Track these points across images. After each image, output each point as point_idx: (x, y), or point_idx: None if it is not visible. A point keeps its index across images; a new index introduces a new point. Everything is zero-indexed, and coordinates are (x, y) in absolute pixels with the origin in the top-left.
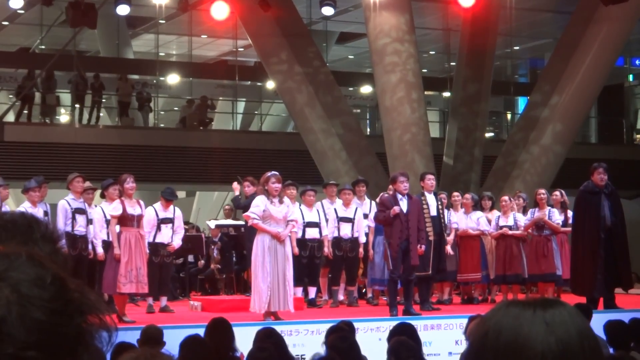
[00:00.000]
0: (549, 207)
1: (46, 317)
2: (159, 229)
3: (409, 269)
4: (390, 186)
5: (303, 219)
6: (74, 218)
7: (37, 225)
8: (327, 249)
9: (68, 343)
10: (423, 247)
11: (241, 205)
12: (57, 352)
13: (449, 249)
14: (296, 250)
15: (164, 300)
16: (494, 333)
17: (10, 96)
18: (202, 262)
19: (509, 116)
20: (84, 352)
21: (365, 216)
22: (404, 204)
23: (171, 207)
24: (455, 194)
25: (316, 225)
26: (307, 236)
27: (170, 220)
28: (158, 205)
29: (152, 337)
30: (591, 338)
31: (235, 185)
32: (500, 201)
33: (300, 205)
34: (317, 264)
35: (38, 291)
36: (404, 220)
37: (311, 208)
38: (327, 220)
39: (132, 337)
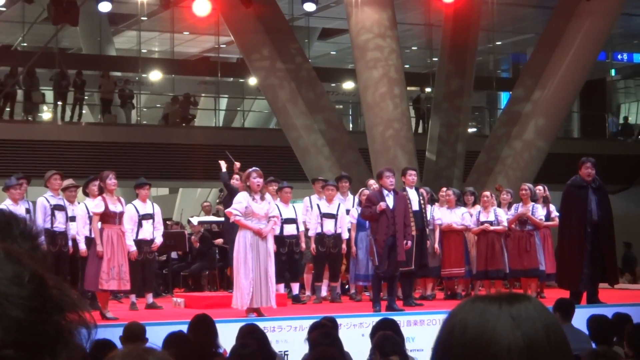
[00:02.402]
0: (532, 203)
1: (24, 315)
2: (140, 225)
3: (395, 265)
4: (370, 182)
5: (280, 215)
6: (53, 215)
7: (16, 222)
8: (303, 245)
9: (47, 341)
10: (409, 242)
11: (228, 181)
12: (36, 350)
13: (436, 246)
14: (275, 247)
15: (150, 297)
16: (460, 329)
17: None
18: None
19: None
20: (62, 350)
21: (348, 212)
22: (390, 200)
23: (149, 201)
24: (444, 189)
25: (293, 221)
26: (285, 232)
27: (150, 216)
28: (137, 201)
29: (135, 334)
30: (558, 332)
31: (222, 164)
32: (481, 196)
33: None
34: (296, 260)
35: (16, 289)
36: (390, 216)
37: (287, 204)
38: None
39: (114, 334)
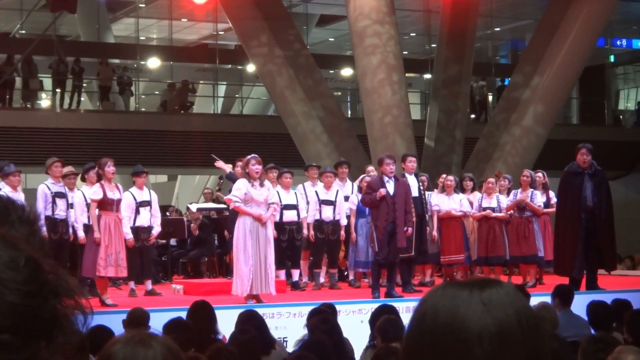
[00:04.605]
0: (532, 189)
1: (20, 300)
2: (137, 212)
3: (395, 252)
4: (369, 168)
5: (280, 201)
6: (54, 202)
7: (14, 208)
8: (306, 231)
9: (43, 325)
10: (410, 229)
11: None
12: (32, 335)
13: (434, 233)
14: (275, 232)
15: (149, 284)
16: (431, 315)
17: None
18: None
19: (490, 97)
20: (59, 334)
21: (346, 198)
22: (390, 186)
23: (146, 189)
24: (444, 175)
25: (294, 207)
26: (285, 219)
27: (148, 203)
28: (134, 189)
29: (138, 320)
30: (530, 317)
31: (222, 164)
32: (486, 182)
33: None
34: (297, 246)
35: (11, 274)
36: (391, 203)
37: (288, 190)
38: (308, 203)
39: (114, 320)
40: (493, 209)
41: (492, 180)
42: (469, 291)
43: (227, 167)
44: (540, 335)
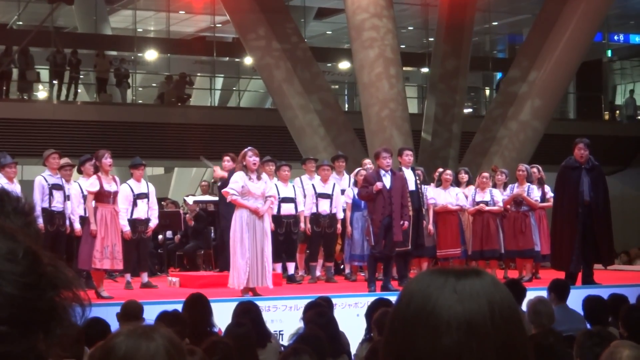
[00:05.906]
0: (528, 184)
1: (18, 292)
2: (135, 204)
3: (391, 245)
4: (365, 161)
5: (278, 194)
6: (50, 194)
7: (8, 199)
8: (303, 225)
9: (41, 317)
10: (406, 223)
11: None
12: (30, 327)
13: (430, 227)
14: (272, 225)
15: (145, 277)
16: (405, 301)
17: None
18: (178, 236)
19: (487, 92)
20: (56, 326)
21: (343, 192)
22: (387, 180)
23: (143, 181)
24: (440, 169)
25: (292, 200)
26: (283, 212)
27: (145, 196)
28: (132, 181)
29: (132, 312)
30: (505, 311)
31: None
32: (480, 177)
33: (274, 180)
34: (294, 240)
35: (10, 265)
36: (387, 196)
37: (286, 183)
38: (305, 196)
39: (109, 312)
40: (486, 203)
41: (486, 174)
42: (444, 279)
43: (222, 173)
44: (515, 330)
